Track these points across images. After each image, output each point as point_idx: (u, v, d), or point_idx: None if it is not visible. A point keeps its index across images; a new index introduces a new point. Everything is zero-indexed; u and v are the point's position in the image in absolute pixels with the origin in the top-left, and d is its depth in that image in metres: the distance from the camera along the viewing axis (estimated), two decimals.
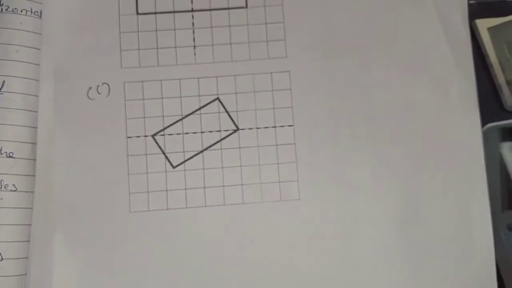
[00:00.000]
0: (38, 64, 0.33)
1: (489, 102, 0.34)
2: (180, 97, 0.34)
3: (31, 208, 0.32)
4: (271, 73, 0.34)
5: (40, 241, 0.32)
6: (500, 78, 0.34)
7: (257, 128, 0.34)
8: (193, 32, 0.34)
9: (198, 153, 0.33)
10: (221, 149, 0.33)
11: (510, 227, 0.33)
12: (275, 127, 0.34)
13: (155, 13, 0.34)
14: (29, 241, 0.32)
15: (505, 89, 0.34)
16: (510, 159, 0.33)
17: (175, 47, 0.34)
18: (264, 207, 0.33)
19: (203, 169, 0.33)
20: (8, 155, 0.32)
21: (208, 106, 0.34)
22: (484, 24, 0.35)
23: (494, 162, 0.33)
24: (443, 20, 0.34)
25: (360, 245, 0.33)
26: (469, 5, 0.34)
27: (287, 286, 0.32)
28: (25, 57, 0.33)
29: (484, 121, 0.33)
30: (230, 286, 0.32)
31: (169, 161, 0.33)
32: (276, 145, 0.33)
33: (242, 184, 0.33)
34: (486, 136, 0.33)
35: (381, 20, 0.34)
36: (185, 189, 0.33)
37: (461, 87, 0.34)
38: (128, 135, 0.33)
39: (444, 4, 0.34)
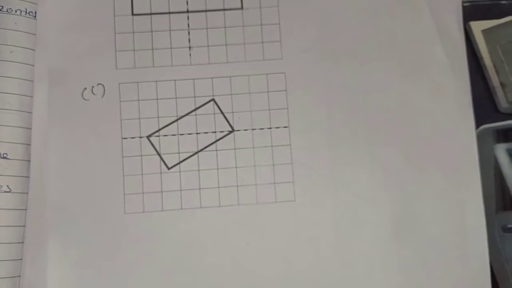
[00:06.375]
0: (33, 65, 0.33)
1: (483, 103, 0.35)
2: (176, 98, 0.34)
3: (25, 209, 0.32)
4: (266, 74, 0.34)
5: (34, 243, 0.32)
6: (494, 80, 0.35)
7: (253, 129, 0.34)
8: (189, 33, 0.34)
9: (193, 154, 0.33)
10: (216, 150, 0.33)
11: (504, 228, 0.33)
12: (270, 128, 0.34)
13: (150, 14, 0.34)
14: (23, 242, 0.32)
15: (499, 91, 0.35)
16: (504, 160, 0.33)
17: (171, 48, 0.34)
18: (259, 208, 0.33)
19: (198, 170, 0.33)
20: (2, 156, 0.32)
21: (203, 107, 0.34)
22: (478, 27, 0.35)
23: (488, 163, 0.33)
24: (438, 23, 0.34)
25: (355, 247, 0.33)
26: (464, 8, 0.35)
27: None
28: (19, 57, 0.33)
29: (478, 123, 0.34)
30: (225, 287, 0.32)
31: (164, 162, 0.33)
32: (272, 146, 0.33)
33: (237, 186, 0.33)
34: (480, 137, 0.33)
35: (376, 23, 0.34)
36: (180, 190, 0.33)
37: (456, 89, 0.34)
38: (123, 136, 0.33)
39: (439, 6, 0.34)
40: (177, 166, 0.33)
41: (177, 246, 0.32)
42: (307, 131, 0.33)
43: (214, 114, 0.34)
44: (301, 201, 0.33)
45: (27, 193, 0.32)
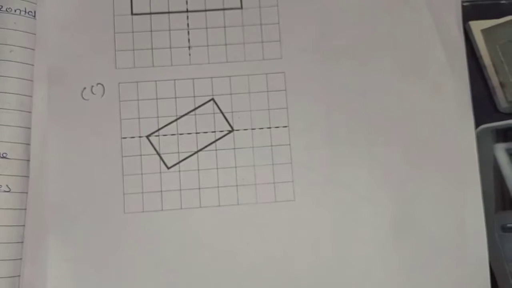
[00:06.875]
0: (32, 65, 0.33)
1: (483, 103, 0.35)
2: (175, 97, 0.34)
3: (25, 209, 0.32)
4: (266, 74, 0.34)
5: (34, 242, 0.32)
6: (494, 79, 0.35)
7: (252, 129, 0.34)
8: (188, 33, 0.34)
9: (193, 154, 0.33)
10: (216, 150, 0.33)
11: (503, 227, 0.33)
12: (270, 128, 0.34)
13: (150, 13, 0.34)
14: (22, 242, 0.32)
15: (498, 91, 0.35)
16: (504, 160, 0.33)
17: (170, 47, 0.34)
18: (259, 208, 0.33)
19: (198, 170, 0.33)
20: (1, 155, 0.32)
21: (203, 107, 0.34)
22: (477, 26, 0.35)
23: (487, 163, 0.33)
24: (437, 22, 0.34)
25: (354, 247, 0.33)
26: (463, 7, 0.35)
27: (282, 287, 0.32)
28: (19, 57, 0.33)
29: (477, 123, 0.34)
30: (225, 287, 0.32)
31: (163, 162, 0.33)
32: (271, 146, 0.33)
33: (237, 185, 0.33)
34: (479, 137, 0.33)
35: (376, 23, 0.34)
36: (180, 190, 0.33)
37: (455, 89, 0.34)
38: (123, 136, 0.33)
39: (438, 6, 0.34)
40: (177, 166, 0.33)
41: (176, 245, 0.32)
42: (307, 131, 0.33)
43: (214, 113, 0.34)
44: (300, 200, 0.33)
45: (26, 192, 0.32)
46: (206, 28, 0.34)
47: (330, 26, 0.34)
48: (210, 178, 0.33)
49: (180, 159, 0.33)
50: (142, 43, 0.34)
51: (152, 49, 0.34)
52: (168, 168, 0.33)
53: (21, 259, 0.32)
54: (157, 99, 0.34)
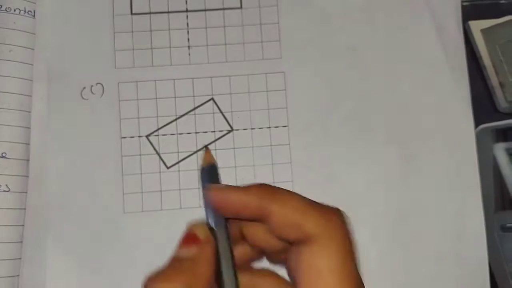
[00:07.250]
0: (32, 64, 0.33)
1: (483, 103, 0.35)
2: (175, 97, 0.34)
3: (24, 208, 0.32)
4: (265, 73, 0.34)
5: (33, 242, 0.32)
6: (494, 79, 0.35)
7: (252, 128, 0.33)
8: (188, 33, 0.34)
9: (193, 153, 0.33)
10: (215, 149, 0.33)
11: (503, 227, 0.33)
12: (269, 127, 0.34)
13: (150, 13, 0.34)
14: (21, 242, 0.32)
15: (498, 91, 0.35)
16: (503, 160, 0.33)
17: (170, 47, 0.34)
18: None
19: (198, 169, 0.33)
20: (1, 155, 0.32)
21: (202, 106, 0.34)
22: (477, 26, 0.35)
23: (487, 163, 0.33)
24: (437, 22, 0.34)
25: None
26: (463, 7, 0.35)
27: None
28: (18, 57, 0.33)
29: (477, 123, 0.34)
30: None
31: (163, 161, 0.33)
32: (271, 145, 0.33)
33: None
34: (479, 137, 0.33)
35: (376, 23, 0.34)
36: (179, 189, 0.33)
37: (455, 89, 0.34)
38: (122, 136, 0.33)
39: (438, 6, 0.34)
40: (176, 166, 0.33)
41: (176, 245, 0.32)
42: (306, 131, 0.33)
43: (213, 113, 0.34)
44: None
45: (26, 192, 0.32)
46: (206, 27, 0.34)
47: (330, 26, 0.34)
48: None
49: (180, 158, 0.33)
50: (141, 42, 0.34)
51: (151, 48, 0.34)
52: (168, 167, 0.33)
53: (20, 258, 0.32)
54: (156, 98, 0.34)
